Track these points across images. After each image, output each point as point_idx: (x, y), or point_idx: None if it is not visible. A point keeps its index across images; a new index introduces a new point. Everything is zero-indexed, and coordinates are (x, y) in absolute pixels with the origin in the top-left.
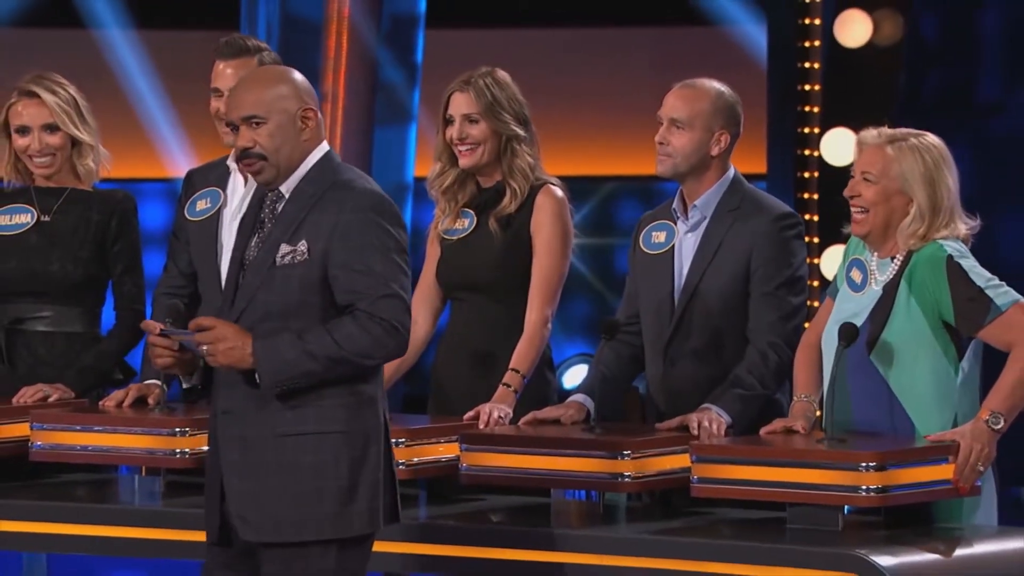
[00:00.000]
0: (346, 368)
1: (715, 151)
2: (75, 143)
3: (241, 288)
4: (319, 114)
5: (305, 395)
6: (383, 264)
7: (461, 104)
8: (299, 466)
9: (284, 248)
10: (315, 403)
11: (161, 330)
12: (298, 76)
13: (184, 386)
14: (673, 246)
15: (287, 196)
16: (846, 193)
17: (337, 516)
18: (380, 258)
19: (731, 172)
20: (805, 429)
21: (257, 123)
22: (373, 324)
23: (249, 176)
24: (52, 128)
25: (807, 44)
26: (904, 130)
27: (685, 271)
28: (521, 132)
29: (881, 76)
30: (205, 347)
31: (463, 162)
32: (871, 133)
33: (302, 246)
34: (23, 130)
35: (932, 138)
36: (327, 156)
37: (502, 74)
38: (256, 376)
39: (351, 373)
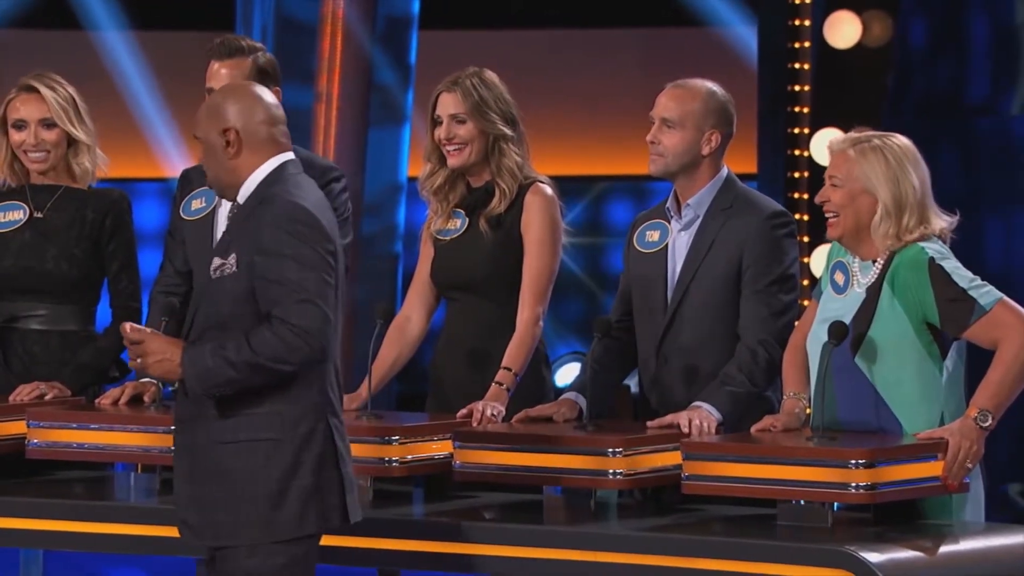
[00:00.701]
0: (264, 374)
1: (706, 150)
2: (71, 142)
3: (193, 300)
4: (253, 128)
5: (241, 404)
6: (297, 273)
7: (448, 104)
8: (232, 472)
9: (216, 261)
10: (250, 411)
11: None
12: (229, 96)
13: (170, 388)
14: (667, 245)
15: (238, 207)
16: (817, 199)
17: (266, 521)
18: (295, 267)
19: (724, 172)
20: (784, 425)
21: (199, 141)
22: (285, 330)
23: None
24: (49, 124)
25: (797, 45)
26: (869, 132)
27: (678, 269)
28: (508, 132)
29: (870, 77)
30: (137, 360)
31: (451, 162)
32: (838, 138)
33: (231, 259)
34: (20, 124)
35: (898, 138)
36: (279, 168)
37: (490, 74)
38: (184, 384)
39: (272, 379)
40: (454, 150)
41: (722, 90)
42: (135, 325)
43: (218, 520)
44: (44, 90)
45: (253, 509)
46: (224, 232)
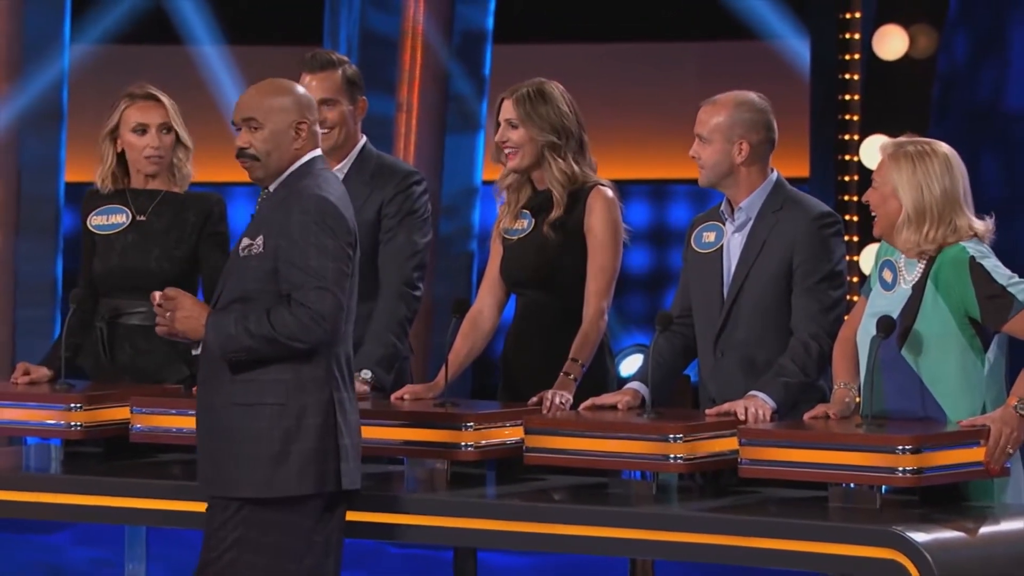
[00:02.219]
0: (278, 348)
1: (739, 159)
2: (175, 147)
3: (223, 274)
4: (312, 126)
5: (253, 370)
6: (318, 261)
7: (506, 110)
8: (239, 431)
9: (245, 241)
10: (260, 378)
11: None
12: (300, 90)
13: (193, 352)
14: (722, 245)
15: (270, 194)
16: (863, 199)
17: (267, 479)
18: (316, 255)
19: (774, 176)
20: (837, 415)
21: (255, 127)
22: (302, 312)
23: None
24: (167, 128)
25: (847, 57)
26: (912, 139)
27: (733, 268)
28: (556, 140)
29: (916, 87)
30: (167, 314)
31: (508, 164)
32: (886, 143)
33: (259, 240)
34: (142, 129)
35: (938, 146)
36: (310, 162)
37: (550, 86)
38: (204, 345)
39: (284, 353)
40: (508, 152)
41: (758, 99)
42: (165, 292)
43: (225, 473)
44: (163, 97)
45: (256, 467)
46: (253, 216)
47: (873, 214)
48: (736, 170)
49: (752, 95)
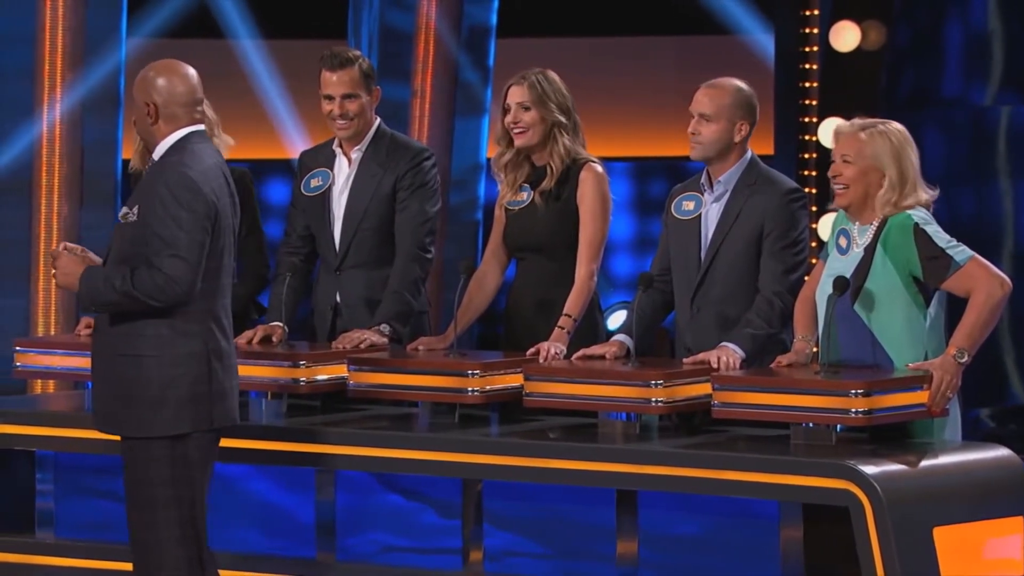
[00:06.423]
0: (137, 304)
1: (737, 138)
2: None
3: (112, 236)
4: (162, 106)
5: (133, 324)
6: (174, 231)
7: (516, 95)
8: (123, 379)
9: (124, 209)
10: (140, 332)
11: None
12: (155, 74)
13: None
14: (700, 214)
15: (150, 165)
16: (830, 174)
17: (148, 420)
18: (172, 226)
19: (749, 154)
20: (797, 363)
21: (135, 104)
22: (156, 275)
23: (352, 157)
24: None
25: (807, 49)
26: (872, 119)
27: (710, 234)
28: (563, 120)
29: (867, 75)
30: (53, 272)
31: (517, 142)
32: (846, 124)
33: (135, 209)
34: None
35: (895, 124)
36: (186, 137)
37: (551, 73)
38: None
39: (144, 309)
40: (519, 132)
41: (747, 86)
42: (62, 247)
43: (113, 414)
44: None
45: (137, 410)
46: (137, 185)
47: (840, 186)
48: (731, 148)
49: (742, 82)
